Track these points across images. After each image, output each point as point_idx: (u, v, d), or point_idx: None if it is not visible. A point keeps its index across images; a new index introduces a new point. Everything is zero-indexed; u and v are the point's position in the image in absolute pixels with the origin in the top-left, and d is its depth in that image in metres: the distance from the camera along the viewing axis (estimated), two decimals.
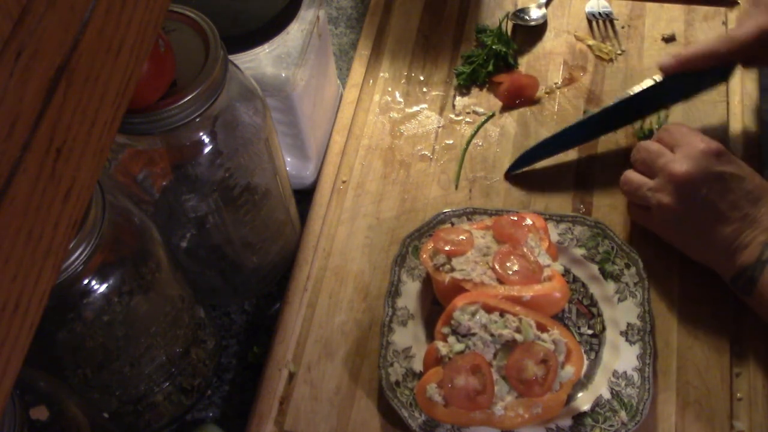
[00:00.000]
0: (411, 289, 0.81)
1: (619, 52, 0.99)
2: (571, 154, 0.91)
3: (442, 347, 0.71)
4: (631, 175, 0.82)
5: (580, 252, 0.82)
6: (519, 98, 0.96)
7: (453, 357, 0.70)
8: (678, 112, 0.92)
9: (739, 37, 0.82)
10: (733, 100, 0.93)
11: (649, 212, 0.80)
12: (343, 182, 0.91)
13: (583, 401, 0.74)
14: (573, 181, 0.89)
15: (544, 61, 0.99)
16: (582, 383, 0.75)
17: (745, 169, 0.76)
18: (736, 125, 0.91)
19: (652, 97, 0.88)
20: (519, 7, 1.04)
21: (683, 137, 0.79)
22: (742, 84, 0.93)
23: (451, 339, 0.71)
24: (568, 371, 0.71)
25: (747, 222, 0.74)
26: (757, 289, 0.73)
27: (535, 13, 1.03)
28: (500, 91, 0.97)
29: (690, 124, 0.91)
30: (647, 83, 0.87)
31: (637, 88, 0.87)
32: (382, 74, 1.00)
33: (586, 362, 0.76)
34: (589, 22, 1.02)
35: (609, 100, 0.95)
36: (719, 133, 0.91)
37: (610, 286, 0.80)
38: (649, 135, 0.89)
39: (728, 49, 0.83)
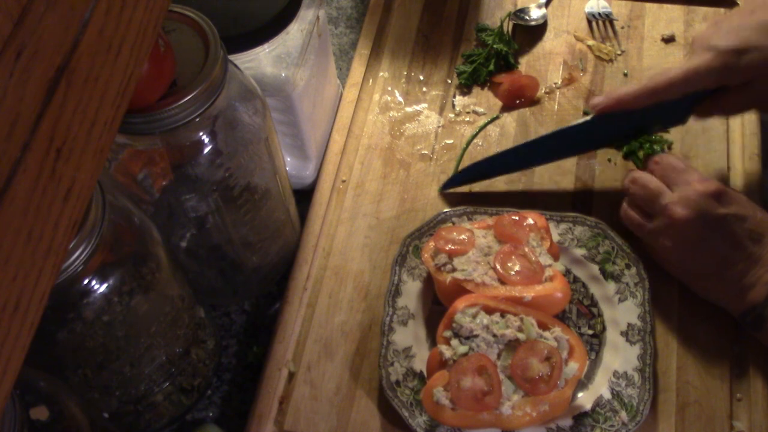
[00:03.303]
0: (411, 288, 0.81)
1: (618, 52, 0.99)
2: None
3: (445, 351, 0.71)
4: (629, 213, 0.80)
5: (580, 252, 0.81)
6: (519, 98, 0.96)
7: (457, 359, 0.70)
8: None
9: (669, 76, 0.78)
10: None
11: (654, 249, 0.80)
12: (343, 182, 0.91)
13: (584, 401, 0.74)
14: (573, 181, 0.89)
15: (543, 61, 0.99)
16: (582, 383, 0.75)
17: (746, 206, 0.75)
18: (736, 125, 0.91)
19: (593, 131, 0.84)
20: (519, 7, 1.04)
21: (680, 175, 0.77)
22: None
23: (454, 342, 0.71)
24: (572, 367, 0.71)
25: (752, 261, 0.73)
26: (766, 327, 0.73)
27: (535, 13, 1.03)
28: (500, 91, 0.97)
29: (690, 124, 0.91)
30: (586, 118, 0.84)
31: (576, 121, 0.85)
32: (381, 74, 1.00)
33: (586, 362, 0.76)
34: (589, 22, 1.02)
35: None
36: (719, 133, 0.91)
37: (611, 287, 0.80)
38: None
39: (657, 86, 0.78)
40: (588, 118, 0.84)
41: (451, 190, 0.90)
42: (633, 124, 0.85)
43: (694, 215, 0.74)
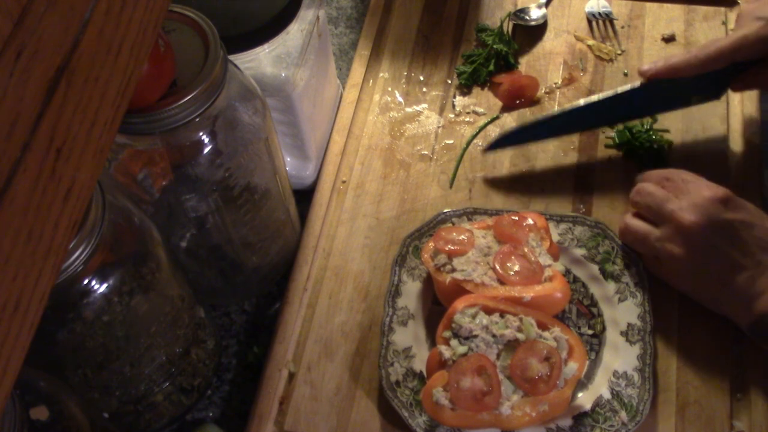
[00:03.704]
0: (411, 288, 0.81)
1: (619, 52, 0.99)
2: (570, 155, 0.91)
3: (445, 351, 0.71)
4: (634, 223, 0.79)
5: (580, 252, 0.81)
6: (519, 99, 0.96)
7: (457, 360, 0.70)
8: (678, 114, 0.91)
9: (719, 44, 0.81)
10: (733, 99, 0.93)
11: (658, 261, 0.78)
12: (343, 182, 0.91)
13: (584, 401, 0.74)
14: (573, 181, 0.89)
15: (544, 61, 0.99)
16: (582, 383, 0.75)
17: (755, 213, 0.75)
18: (736, 125, 0.91)
19: (637, 99, 0.87)
20: (519, 7, 1.04)
21: (687, 184, 0.77)
22: None
23: (454, 342, 0.71)
24: (572, 367, 0.71)
25: (760, 270, 0.72)
26: None
27: (535, 13, 1.03)
28: (500, 91, 0.97)
29: (690, 124, 0.91)
30: (634, 84, 0.87)
31: (622, 88, 0.87)
32: (381, 74, 1.00)
33: (586, 362, 0.76)
34: (589, 22, 1.02)
35: None
36: (719, 133, 0.91)
37: (611, 287, 0.80)
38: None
39: (707, 54, 0.81)
40: (636, 84, 0.86)
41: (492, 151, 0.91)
42: (676, 94, 0.87)
43: (702, 220, 0.73)
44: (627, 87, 0.87)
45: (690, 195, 0.75)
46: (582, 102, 0.89)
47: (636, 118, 0.90)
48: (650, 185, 0.79)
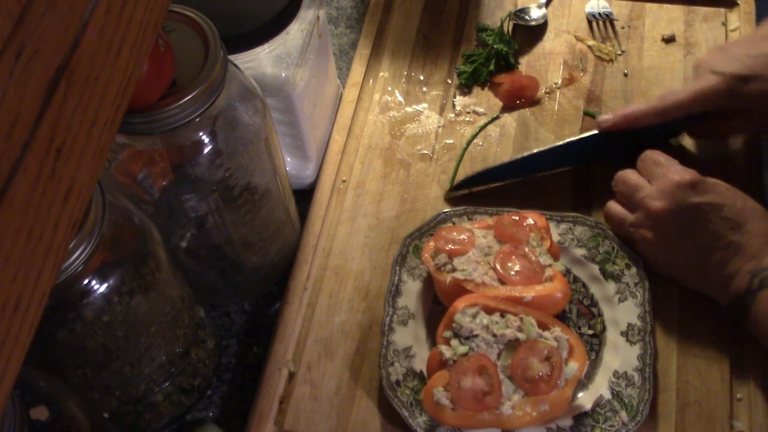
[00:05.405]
0: (412, 288, 0.81)
1: (619, 52, 0.99)
2: None
3: (445, 351, 0.71)
4: (613, 208, 0.82)
5: (580, 252, 0.81)
6: (519, 98, 0.96)
7: (457, 359, 0.70)
8: None
9: (677, 97, 0.82)
10: None
11: (636, 244, 0.80)
12: (343, 182, 0.91)
13: (584, 401, 0.74)
14: (573, 182, 0.89)
15: (544, 61, 0.99)
16: (582, 383, 0.75)
17: (725, 195, 0.75)
18: None
19: (596, 145, 0.87)
20: (519, 7, 1.04)
21: (658, 168, 0.78)
22: None
23: (454, 342, 0.71)
24: (572, 367, 0.71)
25: (732, 250, 0.74)
26: (750, 317, 0.73)
27: (536, 13, 1.03)
28: (501, 91, 0.97)
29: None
30: (591, 132, 0.88)
31: (582, 135, 0.88)
32: (382, 74, 1.00)
33: (586, 362, 0.76)
34: (589, 22, 1.02)
35: (609, 101, 0.95)
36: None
37: (611, 287, 0.80)
38: None
39: (665, 106, 0.82)
40: (593, 132, 0.87)
41: (455, 194, 0.89)
42: (634, 139, 0.86)
43: (668, 206, 0.75)
44: (587, 134, 0.88)
45: (658, 180, 0.77)
46: (541, 148, 0.89)
47: (596, 161, 0.90)
48: (629, 171, 0.81)
